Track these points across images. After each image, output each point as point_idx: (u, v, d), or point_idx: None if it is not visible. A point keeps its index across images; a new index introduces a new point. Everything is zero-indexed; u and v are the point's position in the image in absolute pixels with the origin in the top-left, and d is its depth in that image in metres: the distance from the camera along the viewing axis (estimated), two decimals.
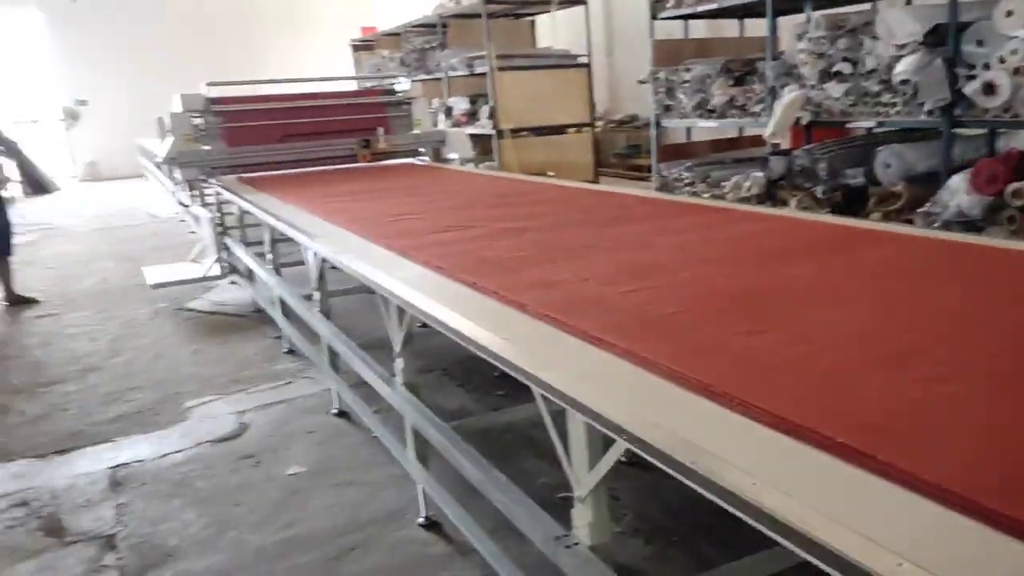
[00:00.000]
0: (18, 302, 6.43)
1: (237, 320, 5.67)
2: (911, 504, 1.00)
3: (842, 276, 2.16)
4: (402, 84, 6.69)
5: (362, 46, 14.75)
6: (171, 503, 3.06)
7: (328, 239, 3.17)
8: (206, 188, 5.99)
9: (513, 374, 1.73)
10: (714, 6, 6.18)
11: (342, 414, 3.78)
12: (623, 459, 1.54)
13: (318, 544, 2.71)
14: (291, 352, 4.75)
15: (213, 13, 18.72)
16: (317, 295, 3.62)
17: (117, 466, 3.40)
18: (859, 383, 1.38)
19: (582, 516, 1.67)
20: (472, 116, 10.02)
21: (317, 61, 18.25)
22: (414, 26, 11.85)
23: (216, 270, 5.84)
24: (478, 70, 9.79)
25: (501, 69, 9.48)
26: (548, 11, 10.31)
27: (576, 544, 1.68)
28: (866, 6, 5.90)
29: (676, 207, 3.71)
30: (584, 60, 10.11)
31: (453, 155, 6.88)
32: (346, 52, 15.64)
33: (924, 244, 2.53)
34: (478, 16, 9.79)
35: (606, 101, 12.75)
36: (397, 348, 2.67)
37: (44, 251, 8.94)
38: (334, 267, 3.11)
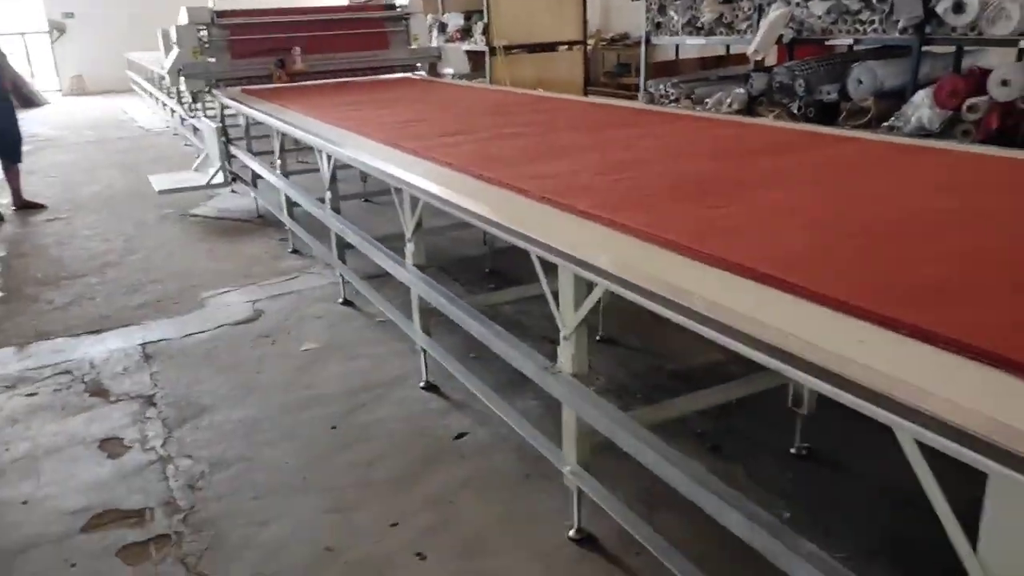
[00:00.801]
0: (26, 207, 6.68)
1: (241, 224, 5.97)
2: (808, 308, 1.37)
3: (792, 168, 2.49)
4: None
5: None
6: (200, 371, 3.44)
7: (341, 143, 3.46)
8: (209, 100, 6.18)
9: (514, 241, 2.07)
10: None
11: (347, 303, 4.15)
12: (598, 336, 1.90)
13: (333, 400, 3.11)
14: (296, 252, 5.08)
15: None
16: (328, 195, 3.93)
17: (147, 343, 3.77)
18: (785, 239, 1.73)
19: (566, 350, 2.04)
20: (466, 33, 10.10)
21: None
22: None
23: (220, 178, 6.10)
24: None
25: None
26: None
27: (560, 372, 2.06)
28: None
29: (659, 115, 4.01)
30: None
31: (448, 70, 7.07)
32: None
33: (866, 145, 2.87)
34: None
35: (599, 19, 12.77)
36: (409, 234, 3.00)
37: (43, 161, 9.10)
38: (341, 169, 3.40)
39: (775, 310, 1.37)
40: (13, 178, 6.61)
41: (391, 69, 6.63)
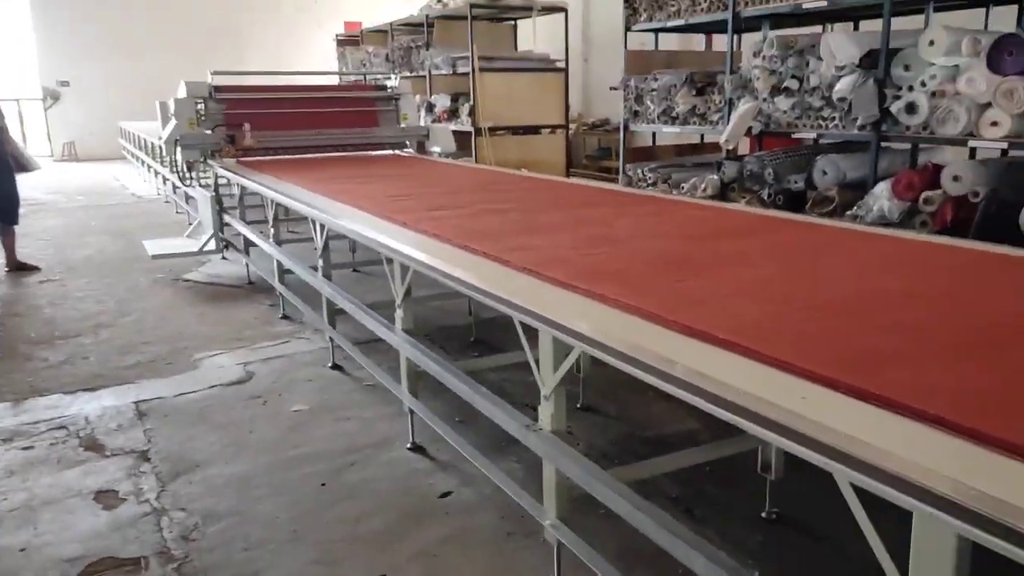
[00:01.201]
0: (20, 268, 6.82)
1: (233, 290, 6.14)
2: (760, 369, 1.58)
3: (756, 249, 2.75)
4: (392, 80, 7.14)
5: (347, 41, 15.17)
6: (193, 429, 3.56)
7: (333, 214, 3.69)
8: (203, 170, 6.43)
9: (498, 307, 2.27)
10: (681, 22, 6.79)
11: (336, 367, 4.30)
12: (578, 405, 2.09)
13: (323, 459, 3.24)
14: (286, 317, 5.25)
15: (198, 1, 18.98)
16: (321, 262, 4.14)
17: (140, 401, 3.89)
18: (746, 312, 1.96)
19: (546, 409, 2.22)
20: (453, 113, 10.55)
21: (301, 52, 18.66)
22: (401, 24, 12.36)
23: (212, 245, 6.31)
24: (461, 70, 10.33)
25: (483, 70, 10.03)
26: (529, 16, 10.90)
27: (540, 429, 2.24)
28: (816, 28, 6.55)
29: (635, 197, 4.31)
30: (561, 65, 10.71)
31: (436, 148, 7.40)
32: (330, 46, 16.07)
33: (825, 230, 3.15)
34: (463, 18, 10.35)
35: (580, 105, 13.36)
36: (399, 300, 3.20)
37: (35, 225, 9.26)
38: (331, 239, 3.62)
39: (731, 370, 1.58)
40: (9, 240, 6.77)
41: (381, 146, 6.96)
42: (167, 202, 10.83)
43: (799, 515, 2.77)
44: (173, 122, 6.09)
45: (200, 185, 6.68)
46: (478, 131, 9.88)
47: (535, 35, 11.11)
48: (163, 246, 6.69)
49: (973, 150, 5.18)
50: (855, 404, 1.42)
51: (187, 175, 6.50)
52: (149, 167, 12.46)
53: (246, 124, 6.13)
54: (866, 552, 1.37)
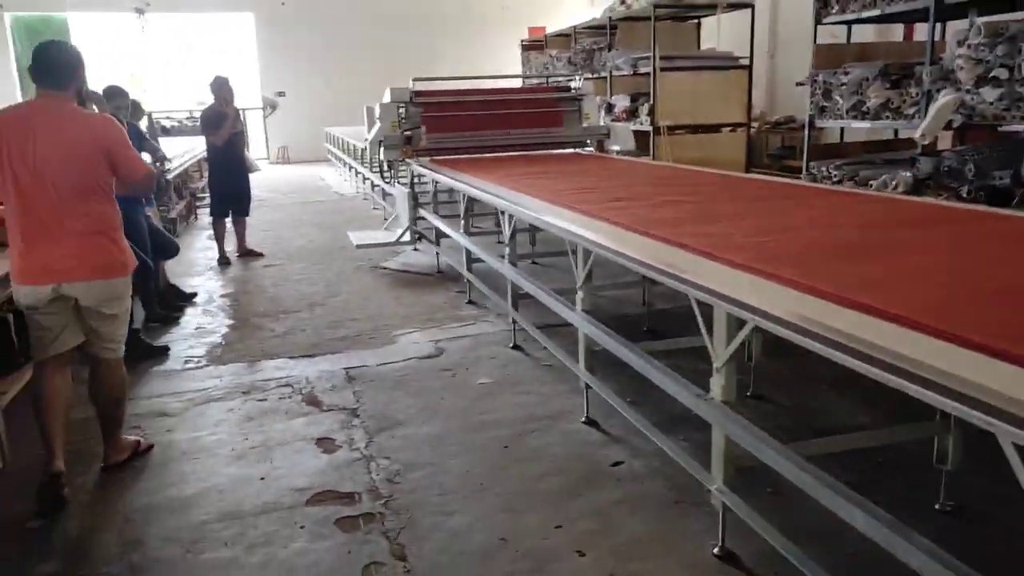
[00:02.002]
0: (248, 254, 7.83)
1: (423, 278, 6.70)
2: (935, 344, 1.66)
3: (932, 238, 2.72)
4: (575, 82, 7.40)
5: (531, 46, 15.73)
6: (394, 393, 4.03)
7: (522, 205, 4.01)
8: (402, 168, 7.05)
9: (675, 285, 2.45)
10: (877, 12, 6.53)
11: (517, 347, 4.64)
12: (748, 393, 2.22)
13: (505, 425, 3.57)
14: (472, 303, 5.69)
15: (399, 14, 20.41)
16: (507, 250, 4.49)
17: (349, 368, 4.43)
18: (917, 293, 2.01)
19: (718, 381, 2.38)
20: (632, 113, 10.68)
21: (489, 58, 19.53)
22: (584, 27, 12.68)
23: (407, 237, 6.91)
24: (642, 70, 10.45)
25: (664, 70, 10.08)
26: (714, 14, 10.81)
27: (712, 399, 2.40)
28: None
29: (816, 190, 4.29)
30: (745, 62, 10.51)
31: (615, 147, 7.61)
32: (515, 51, 16.74)
33: (1015, 220, 3.03)
34: (646, 19, 10.46)
35: (764, 102, 13.01)
36: (579, 283, 3.46)
37: (258, 218, 10.47)
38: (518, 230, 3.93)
39: (906, 344, 1.66)
40: (240, 229, 7.80)
41: (563, 145, 7.25)
42: (365, 199, 11.84)
43: (975, 509, 2.71)
44: (378, 124, 6.72)
45: (398, 182, 7.33)
46: (656, 130, 9.94)
47: (719, 32, 10.99)
48: (365, 237, 7.42)
49: None
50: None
51: (387, 172, 7.13)
52: (350, 167, 13.64)
53: (422, 127, 6.59)
54: None
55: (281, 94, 20.32)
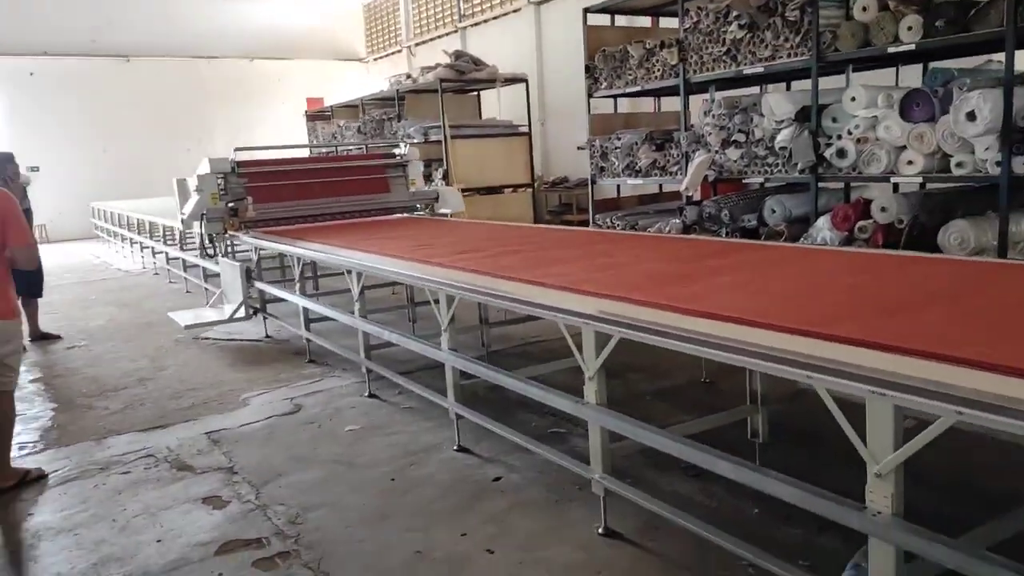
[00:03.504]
0: (42, 337, 7.27)
1: (255, 343, 6.70)
2: (753, 331, 2.31)
3: (732, 264, 3.52)
4: (401, 148, 7.59)
5: (316, 116, 16.02)
6: (265, 449, 4.14)
7: (370, 263, 4.35)
8: (226, 240, 6.84)
9: (544, 314, 2.97)
10: (638, 89, 7.75)
11: (373, 396, 4.92)
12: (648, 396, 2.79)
13: (386, 463, 3.86)
14: (312, 362, 5.84)
15: (166, 86, 19.64)
16: (358, 305, 4.79)
17: (210, 432, 4.44)
18: (734, 300, 2.70)
19: (591, 388, 2.91)
20: (427, 179, 11.35)
21: (268, 127, 19.42)
22: (371, 99, 13.27)
23: (242, 312, 6.40)
24: (432, 138, 11.20)
25: (454, 137, 10.92)
26: (492, 87, 11.89)
27: (589, 403, 2.92)
28: (755, 89, 7.56)
29: (623, 236, 5.13)
30: (524, 129, 11.67)
31: (445, 210, 7.78)
32: (297, 121, 16.94)
33: (781, 249, 3.95)
34: (433, 91, 11.28)
35: (540, 165, 14.33)
36: (445, 325, 3.88)
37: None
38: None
39: (737, 333, 2.30)
40: (33, 311, 7.22)
41: (396, 210, 7.36)
42: (156, 274, 11.32)
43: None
44: (195, 197, 6.46)
45: (222, 257, 7.05)
46: None
47: (500, 103, 12.08)
48: (191, 317, 6.90)
49: (895, 185, 6.13)
50: (822, 344, 2.15)
51: (209, 247, 6.73)
52: (132, 242, 12.92)
53: (248, 197, 6.46)
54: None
55: (34, 169, 18.62)
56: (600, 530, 3.02)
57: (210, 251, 6.77)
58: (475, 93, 12.95)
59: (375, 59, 20.70)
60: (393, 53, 19.49)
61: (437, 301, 3.88)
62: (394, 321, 6.14)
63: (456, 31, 16.03)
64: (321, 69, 21.02)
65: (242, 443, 4.26)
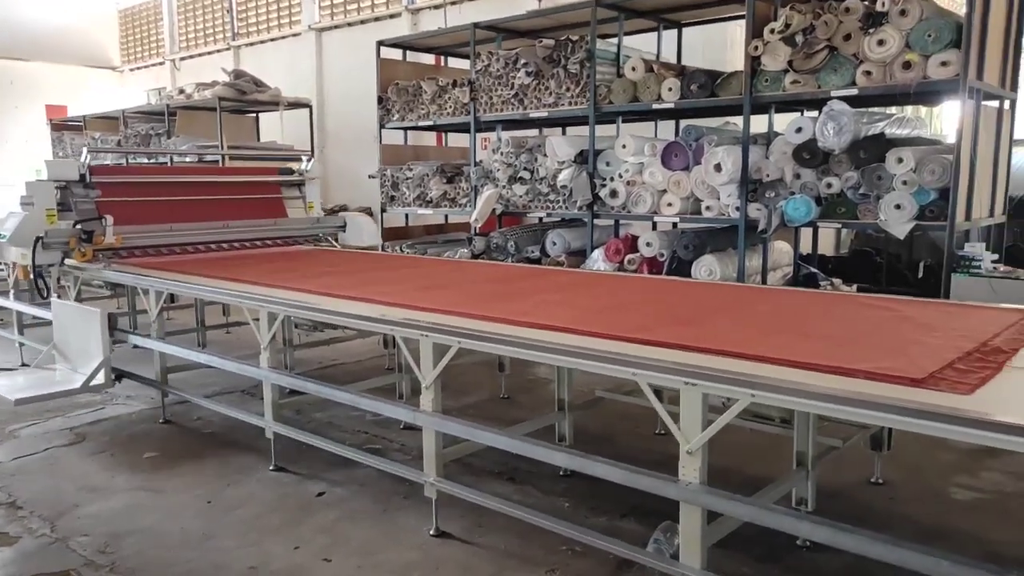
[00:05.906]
0: None
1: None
2: (568, 336, 2.68)
3: (544, 285, 3.93)
4: (302, 163, 6.26)
5: (65, 126, 14.51)
6: (50, 482, 3.78)
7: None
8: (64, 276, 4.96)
9: (380, 328, 3.13)
10: (431, 123, 8.11)
11: (168, 422, 4.66)
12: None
13: (200, 486, 3.72)
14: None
15: None
16: (155, 327, 4.54)
17: None
18: (555, 312, 3.07)
19: (427, 397, 3.11)
20: None
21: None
22: (136, 112, 12.34)
23: (101, 378, 4.31)
24: (208, 157, 10.69)
25: (233, 158, 10.52)
26: (274, 110, 11.64)
27: (424, 410, 3.11)
28: (535, 131, 8.25)
29: (437, 261, 5.38)
30: (306, 154, 11.53)
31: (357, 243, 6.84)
32: (41, 130, 15.23)
33: (572, 274, 4.46)
34: (210, 109, 10.79)
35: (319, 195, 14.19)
36: (264, 344, 3.85)
37: None
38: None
39: (571, 340, 2.65)
40: None
41: (296, 240, 6.02)
42: None
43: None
44: (23, 215, 4.76)
45: (57, 296, 4.96)
46: None
47: (283, 126, 11.84)
48: (19, 387, 4.42)
49: (655, 223, 7.03)
50: (632, 346, 2.56)
51: (45, 285, 4.96)
52: None
53: (107, 217, 4.87)
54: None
55: None
56: (432, 532, 3.20)
57: (42, 290, 5.00)
58: (254, 115, 12.56)
59: (131, 69, 19.17)
60: (154, 65, 18.19)
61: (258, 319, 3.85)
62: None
63: (229, 48, 15.40)
64: (64, 74, 19.00)
65: (20, 476, 3.85)
